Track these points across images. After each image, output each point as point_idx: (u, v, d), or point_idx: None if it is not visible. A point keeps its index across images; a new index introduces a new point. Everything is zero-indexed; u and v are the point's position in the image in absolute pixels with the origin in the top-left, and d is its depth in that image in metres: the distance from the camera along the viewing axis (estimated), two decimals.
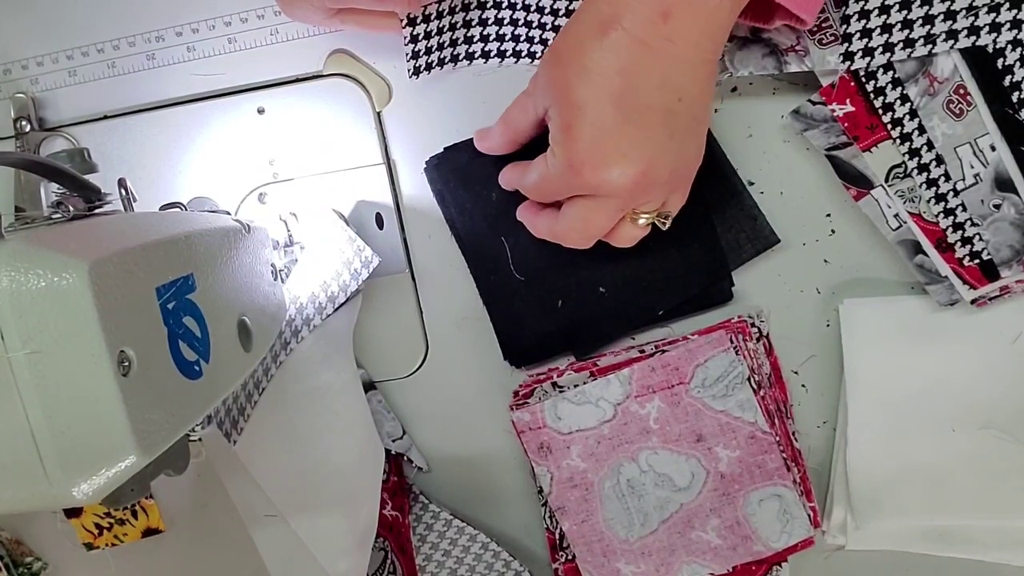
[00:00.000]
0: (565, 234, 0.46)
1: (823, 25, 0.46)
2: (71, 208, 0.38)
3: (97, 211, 0.41)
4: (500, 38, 0.52)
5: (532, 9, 0.51)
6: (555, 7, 0.50)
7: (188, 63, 0.55)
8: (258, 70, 0.55)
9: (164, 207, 0.47)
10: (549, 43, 0.51)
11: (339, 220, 0.54)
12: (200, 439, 0.51)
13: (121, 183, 0.43)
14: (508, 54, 0.52)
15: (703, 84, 0.42)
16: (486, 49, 0.52)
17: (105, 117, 0.56)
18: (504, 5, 0.51)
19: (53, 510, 0.59)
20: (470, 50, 0.53)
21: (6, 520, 0.61)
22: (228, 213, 0.52)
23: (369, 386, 0.58)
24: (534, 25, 0.51)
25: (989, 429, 0.52)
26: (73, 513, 0.60)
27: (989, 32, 0.44)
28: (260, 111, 0.55)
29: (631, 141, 0.41)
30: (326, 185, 0.55)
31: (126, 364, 0.31)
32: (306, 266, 0.54)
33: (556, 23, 0.51)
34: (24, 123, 0.56)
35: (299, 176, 0.56)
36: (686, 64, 0.40)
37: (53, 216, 0.38)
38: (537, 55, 0.52)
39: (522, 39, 0.52)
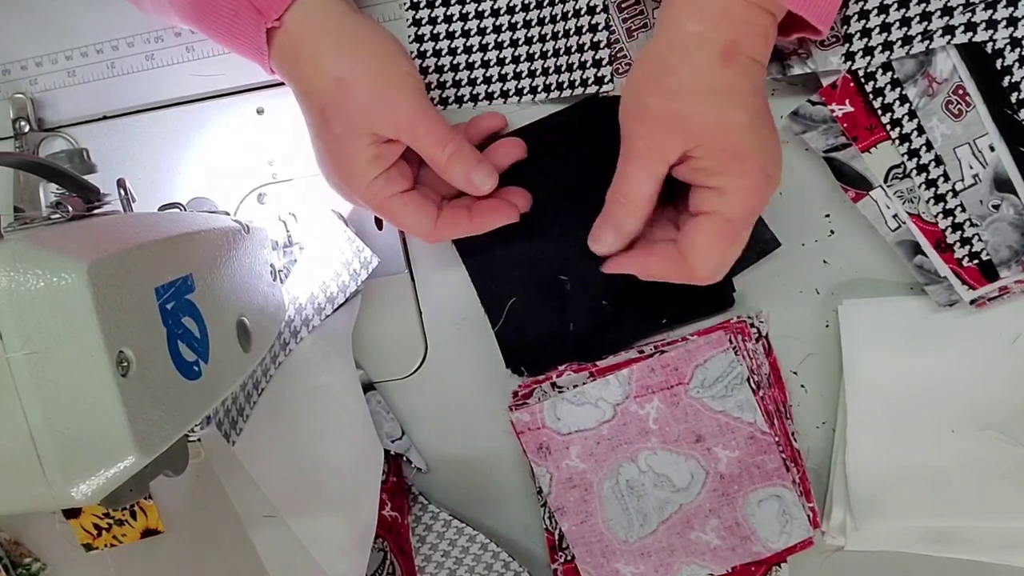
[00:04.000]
0: (707, 259, 0.44)
1: None
2: (70, 208, 0.38)
3: (96, 211, 0.41)
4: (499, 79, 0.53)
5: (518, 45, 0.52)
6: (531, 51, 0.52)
7: (187, 63, 0.55)
8: (257, 70, 0.54)
9: (163, 207, 0.47)
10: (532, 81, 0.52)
11: (338, 221, 0.54)
12: (199, 440, 0.51)
13: (120, 183, 0.43)
14: (496, 95, 0.54)
15: None
16: (490, 91, 0.53)
17: (104, 117, 0.56)
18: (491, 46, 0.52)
19: (52, 511, 0.59)
20: (475, 92, 0.54)
21: (5, 521, 0.61)
22: (227, 213, 0.52)
23: (368, 387, 0.58)
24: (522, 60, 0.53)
25: (988, 430, 0.52)
26: (72, 514, 0.60)
27: (986, 28, 0.44)
28: (259, 111, 0.55)
29: (776, 135, 0.42)
30: (325, 186, 0.55)
31: (125, 364, 0.31)
32: (305, 267, 0.54)
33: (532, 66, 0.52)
34: (23, 123, 0.55)
35: (298, 176, 0.56)
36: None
37: (52, 216, 0.38)
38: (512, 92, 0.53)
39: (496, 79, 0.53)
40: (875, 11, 0.46)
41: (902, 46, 0.46)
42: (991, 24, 0.44)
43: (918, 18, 0.45)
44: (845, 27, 0.46)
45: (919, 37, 0.45)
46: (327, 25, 0.43)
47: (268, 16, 0.42)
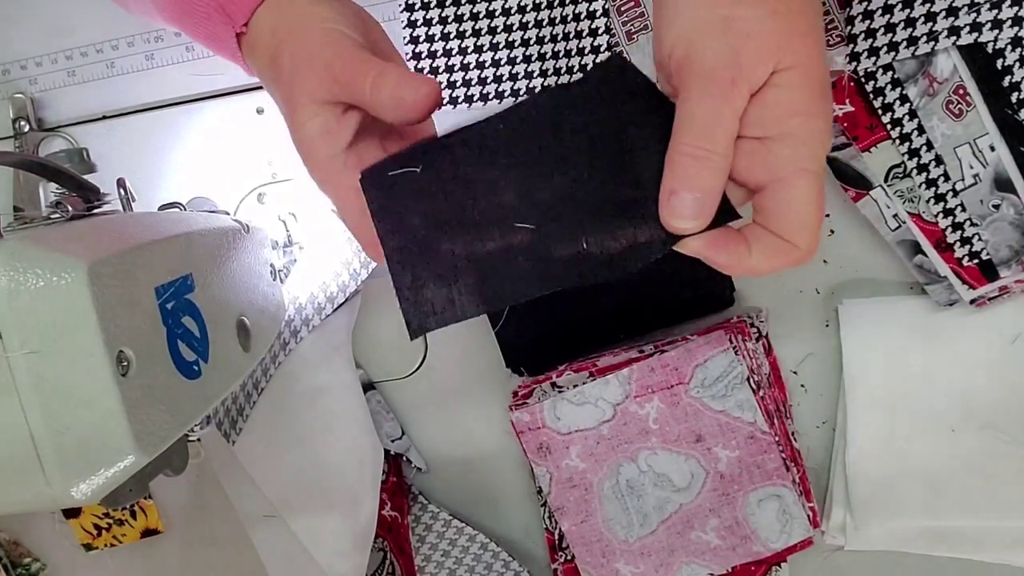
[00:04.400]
0: (816, 234, 0.34)
1: (828, 27, 0.46)
2: (70, 208, 0.38)
3: (96, 211, 0.41)
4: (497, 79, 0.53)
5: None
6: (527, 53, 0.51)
7: (187, 63, 0.55)
8: None
9: (163, 207, 0.47)
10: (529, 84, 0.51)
11: (338, 220, 0.54)
12: (199, 439, 0.51)
13: (120, 183, 0.43)
14: (506, 94, 0.53)
15: None
16: (484, 92, 0.53)
17: (104, 117, 0.56)
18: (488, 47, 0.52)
19: (52, 511, 0.59)
20: (469, 93, 0.53)
21: (5, 521, 0.61)
22: (227, 213, 0.52)
23: (368, 386, 0.58)
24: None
25: (988, 429, 0.52)
26: (72, 514, 0.60)
27: (991, 28, 0.44)
28: (259, 111, 0.55)
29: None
30: None
31: (125, 364, 0.31)
32: (305, 266, 0.54)
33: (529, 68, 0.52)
34: (23, 123, 0.55)
35: (298, 176, 0.56)
36: None
37: (52, 216, 0.38)
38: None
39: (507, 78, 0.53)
40: (879, 11, 0.46)
41: (907, 47, 0.45)
42: (996, 24, 0.44)
43: (923, 19, 0.45)
44: (849, 27, 0.46)
45: (924, 38, 0.45)
46: (292, 26, 0.40)
47: (236, 22, 0.41)
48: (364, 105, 0.38)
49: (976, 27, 0.44)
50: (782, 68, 0.32)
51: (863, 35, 0.46)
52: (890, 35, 0.46)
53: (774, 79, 0.32)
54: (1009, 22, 0.44)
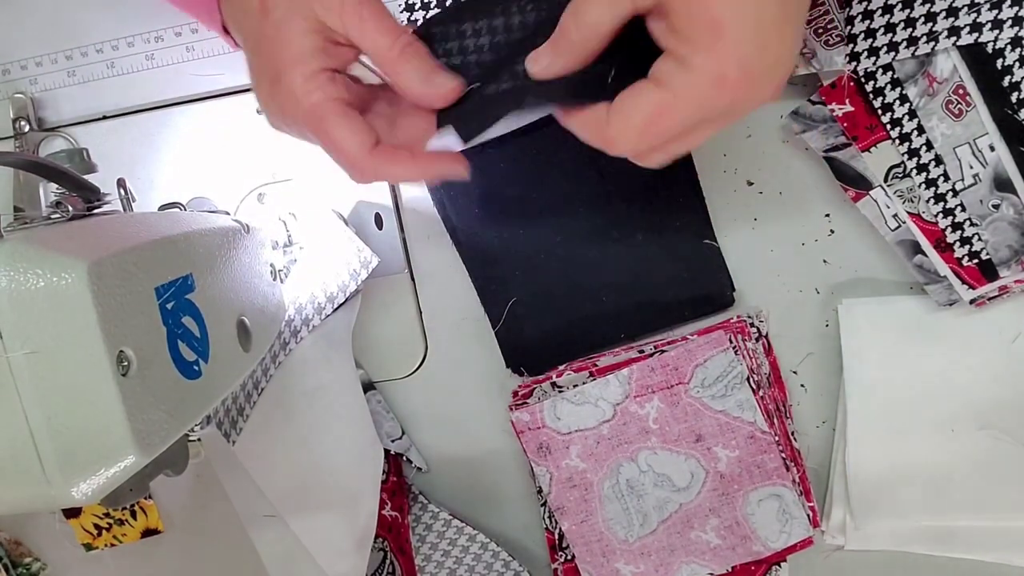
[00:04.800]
0: (634, 137, 0.35)
1: (828, 27, 0.46)
2: (70, 208, 0.38)
3: (96, 211, 0.41)
4: None
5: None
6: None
7: (187, 63, 0.55)
8: None
9: (163, 207, 0.47)
10: None
11: (338, 220, 0.54)
12: (199, 439, 0.51)
13: (120, 183, 0.43)
14: None
15: None
16: None
17: (104, 117, 0.56)
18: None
19: (52, 511, 0.59)
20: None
21: (5, 521, 0.61)
22: (227, 213, 0.52)
23: (368, 386, 0.58)
24: None
25: (988, 429, 0.52)
26: (72, 514, 0.60)
27: (992, 29, 0.44)
28: (259, 111, 0.55)
29: (789, 44, 0.32)
30: (325, 185, 0.55)
31: (125, 364, 0.31)
32: (305, 266, 0.54)
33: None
34: (23, 123, 0.56)
35: (298, 176, 0.56)
36: None
37: (52, 216, 0.38)
38: None
39: None
40: (879, 11, 0.46)
41: (907, 47, 0.45)
42: (996, 24, 0.44)
43: (923, 19, 0.45)
44: (849, 27, 0.46)
45: (924, 38, 0.45)
46: None
47: None
48: (378, 62, 0.39)
49: (976, 27, 0.45)
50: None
51: (863, 35, 0.46)
52: (890, 35, 0.46)
53: (668, 3, 0.32)
54: (1009, 22, 0.44)
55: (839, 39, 0.47)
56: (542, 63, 0.37)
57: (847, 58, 0.47)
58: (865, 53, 0.46)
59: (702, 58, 0.32)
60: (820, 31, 0.47)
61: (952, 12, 0.45)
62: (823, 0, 0.46)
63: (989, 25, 0.44)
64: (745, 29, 0.31)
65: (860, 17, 0.46)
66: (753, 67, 0.32)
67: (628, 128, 0.34)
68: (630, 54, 0.35)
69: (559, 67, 0.36)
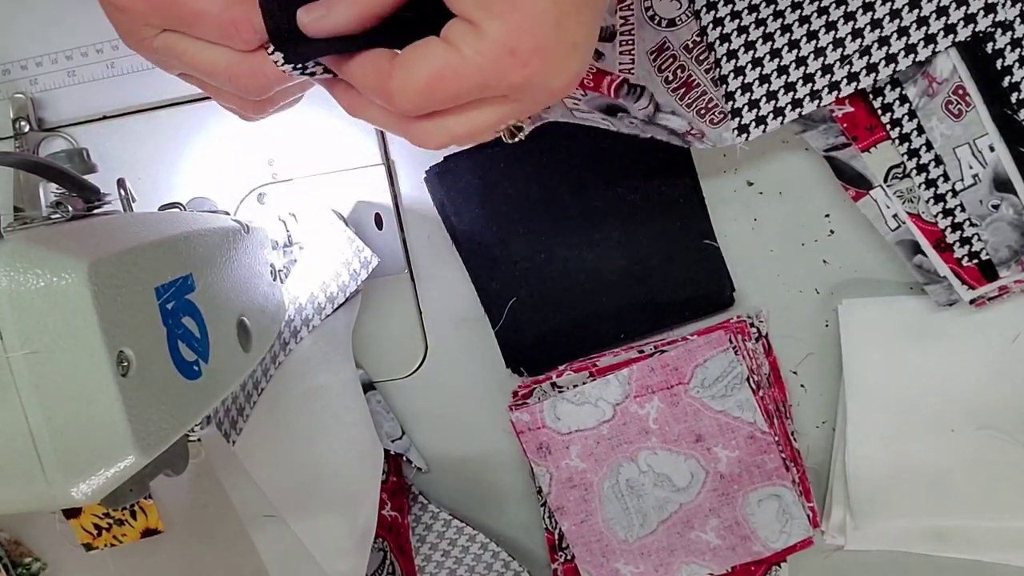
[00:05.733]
0: (420, 139, 0.34)
1: (709, 106, 0.47)
2: (70, 208, 0.38)
3: (96, 211, 0.41)
4: None
5: None
6: None
7: None
8: None
9: (163, 207, 0.47)
10: None
11: (338, 220, 0.54)
12: (199, 439, 0.51)
13: (120, 183, 0.43)
14: None
15: None
16: None
17: (104, 117, 0.56)
18: None
19: (52, 511, 0.59)
20: None
21: (5, 521, 0.61)
22: (227, 213, 0.53)
23: (368, 386, 0.58)
24: None
25: (988, 429, 0.52)
26: (72, 513, 0.60)
27: (867, 74, 0.46)
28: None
29: (587, 28, 0.31)
30: (325, 185, 0.55)
31: (125, 364, 0.31)
32: (305, 267, 0.54)
33: None
34: (23, 123, 0.55)
35: (298, 176, 0.56)
36: None
37: (52, 216, 0.38)
38: None
39: None
40: (756, 83, 0.47)
41: (792, 109, 0.47)
42: (871, 68, 0.46)
43: (801, 81, 0.47)
44: (731, 103, 0.47)
45: (807, 98, 0.47)
46: None
47: None
48: None
49: (853, 78, 0.46)
50: None
51: (746, 107, 0.47)
52: (773, 102, 0.47)
53: None
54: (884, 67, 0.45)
55: (723, 116, 0.47)
56: (314, 15, 0.32)
57: (735, 131, 0.47)
58: (753, 123, 0.47)
59: (496, 26, 0.30)
60: (703, 111, 0.47)
61: (827, 70, 0.46)
62: (697, 83, 0.47)
63: (863, 71, 0.46)
64: (542, 2, 0.29)
65: (739, 91, 0.47)
66: (548, 45, 0.30)
67: (411, 83, 0.31)
68: (422, 14, 0.32)
69: (329, 26, 0.32)
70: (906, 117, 0.47)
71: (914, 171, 0.48)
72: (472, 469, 0.60)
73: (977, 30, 0.44)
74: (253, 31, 0.33)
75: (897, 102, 0.47)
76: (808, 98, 0.47)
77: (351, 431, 0.55)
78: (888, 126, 0.48)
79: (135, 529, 0.60)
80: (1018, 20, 0.44)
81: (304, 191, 0.56)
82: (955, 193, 0.47)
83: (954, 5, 0.44)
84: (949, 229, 0.48)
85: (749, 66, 0.47)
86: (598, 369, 0.54)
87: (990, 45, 0.45)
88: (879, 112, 0.47)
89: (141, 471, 0.33)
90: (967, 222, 0.48)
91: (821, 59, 0.46)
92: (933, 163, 0.47)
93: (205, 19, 0.34)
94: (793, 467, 0.53)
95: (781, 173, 0.52)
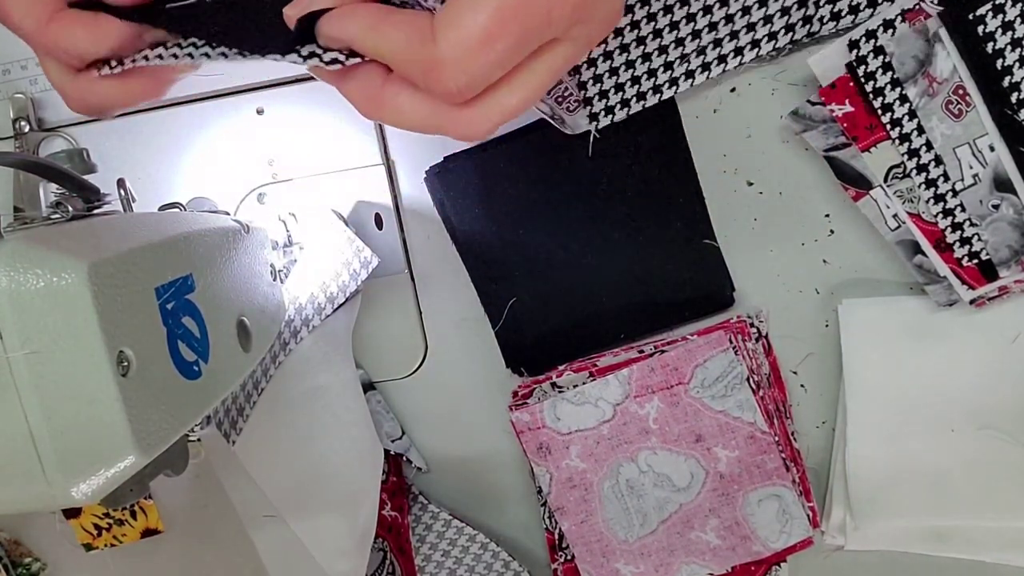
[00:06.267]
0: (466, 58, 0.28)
1: (565, 95, 0.49)
2: (70, 208, 0.38)
3: (96, 211, 0.41)
4: None
5: None
6: None
7: None
8: (258, 70, 0.55)
9: (163, 207, 0.47)
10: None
11: (338, 220, 0.54)
12: (199, 439, 0.51)
13: (120, 183, 0.43)
14: None
15: None
16: None
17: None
18: None
19: (52, 511, 0.59)
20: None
21: (5, 521, 0.61)
22: (227, 213, 0.52)
23: (368, 386, 0.58)
24: None
25: (988, 429, 0.52)
26: (72, 514, 0.60)
27: (701, 72, 0.49)
28: (259, 111, 0.55)
29: None
30: (325, 185, 0.55)
31: (125, 364, 0.31)
32: (305, 267, 0.54)
33: None
34: (23, 123, 0.55)
35: (298, 176, 0.56)
36: None
37: (52, 216, 0.38)
38: None
39: None
40: (607, 74, 0.49)
41: (638, 101, 0.50)
42: (705, 67, 0.49)
43: (645, 76, 0.49)
44: (583, 92, 0.49)
45: (650, 92, 0.50)
46: None
47: None
48: None
49: (706, 67, 0.49)
50: None
51: (597, 97, 0.49)
52: (620, 94, 0.50)
53: None
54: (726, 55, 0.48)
55: (577, 103, 0.49)
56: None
57: (588, 119, 0.50)
58: (603, 112, 0.50)
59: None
60: (560, 99, 0.49)
61: (668, 67, 0.49)
62: None
63: (710, 63, 0.49)
64: None
65: (592, 82, 0.49)
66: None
67: (464, 37, 0.26)
68: None
69: None
70: (906, 117, 0.47)
71: (914, 171, 0.48)
72: (472, 469, 0.60)
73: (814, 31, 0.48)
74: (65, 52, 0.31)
75: (897, 102, 0.47)
76: (651, 91, 0.50)
77: (351, 431, 0.55)
78: (888, 126, 0.48)
79: (135, 529, 0.60)
80: (1018, 20, 0.44)
81: (304, 191, 0.56)
82: (955, 193, 0.47)
83: (796, 6, 0.48)
84: (949, 229, 0.48)
85: (600, 58, 0.49)
86: (598, 369, 0.54)
87: (990, 45, 0.45)
88: (879, 112, 0.47)
89: (141, 471, 0.33)
90: (967, 222, 0.48)
91: (663, 56, 0.49)
92: (933, 163, 0.47)
93: (27, 38, 0.33)
94: (793, 467, 0.53)
95: (781, 173, 0.52)
